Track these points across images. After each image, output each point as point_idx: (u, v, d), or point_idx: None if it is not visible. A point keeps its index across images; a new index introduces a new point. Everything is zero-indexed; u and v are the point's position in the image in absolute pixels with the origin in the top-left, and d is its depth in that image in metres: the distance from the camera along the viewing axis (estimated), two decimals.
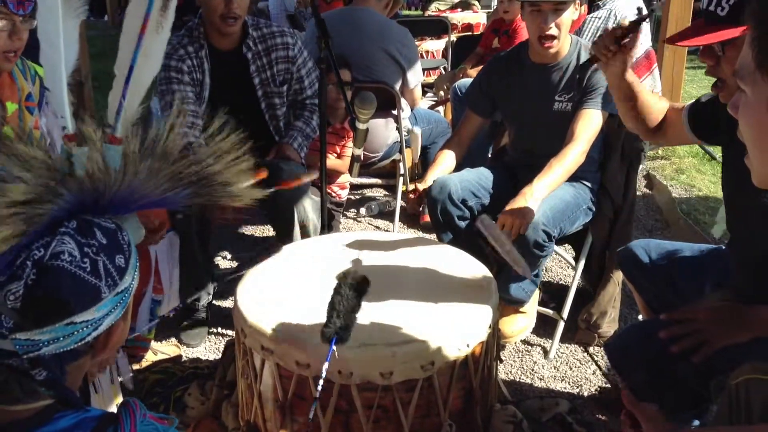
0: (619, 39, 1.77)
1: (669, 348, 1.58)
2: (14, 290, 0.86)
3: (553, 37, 2.40)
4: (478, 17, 7.39)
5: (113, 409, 1.67)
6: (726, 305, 1.65)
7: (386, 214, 3.94)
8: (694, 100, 1.87)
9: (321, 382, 1.49)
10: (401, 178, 3.66)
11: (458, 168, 2.66)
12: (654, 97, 1.94)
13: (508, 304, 2.53)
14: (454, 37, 5.62)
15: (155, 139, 1.00)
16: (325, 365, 1.50)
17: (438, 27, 5.67)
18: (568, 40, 2.49)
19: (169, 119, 1.03)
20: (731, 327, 1.58)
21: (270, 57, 2.73)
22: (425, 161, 3.66)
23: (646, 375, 1.65)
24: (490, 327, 1.74)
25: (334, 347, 1.53)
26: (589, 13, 3.76)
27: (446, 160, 2.63)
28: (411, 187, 2.48)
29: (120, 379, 1.90)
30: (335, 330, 1.54)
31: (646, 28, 3.70)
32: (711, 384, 1.62)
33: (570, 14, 2.40)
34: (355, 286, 1.65)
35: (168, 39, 2.46)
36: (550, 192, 2.33)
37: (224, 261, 3.37)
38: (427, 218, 3.67)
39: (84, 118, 1.01)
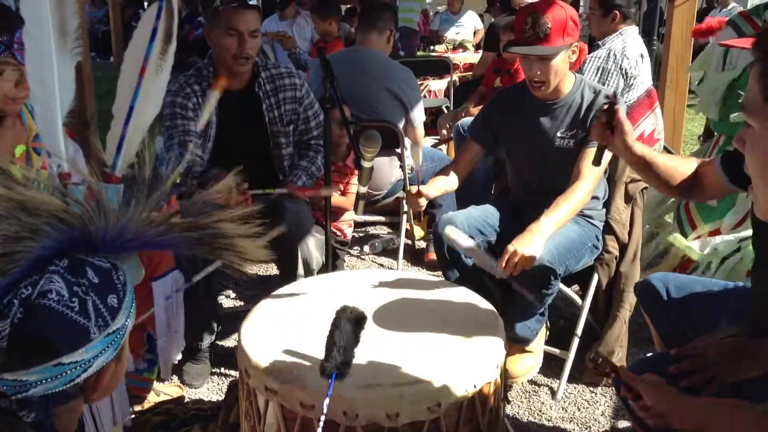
0: (607, 124, 1.82)
1: (679, 383, 1.56)
2: (0, 329, 0.85)
3: (541, 82, 2.42)
4: (479, 57, 7.48)
5: None
6: (736, 340, 1.63)
7: (390, 252, 3.93)
8: (722, 152, 1.87)
9: (323, 419, 1.46)
10: (405, 216, 3.66)
11: (462, 205, 2.66)
12: (676, 158, 1.95)
13: (514, 343, 2.50)
14: (456, 76, 5.69)
15: (154, 182, 0.99)
16: (326, 402, 1.47)
17: (440, 67, 5.74)
18: (570, 78, 2.51)
19: (172, 165, 1.02)
20: (742, 362, 1.56)
21: (278, 97, 2.76)
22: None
23: None
24: (497, 367, 1.71)
25: (333, 383, 1.50)
26: (589, 53, 3.79)
27: (446, 175, 2.63)
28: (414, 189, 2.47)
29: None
30: (335, 365, 1.51)
31: (647, 67, 3.73)
32: None
33: (561, 59, 2.40)
34: (354, 321, 1.62)
35: (176, 79, 2.50)
36: (557, 229, 2.32)
37: (228, 300, 3.35)
38: (432, 256, 3.67)
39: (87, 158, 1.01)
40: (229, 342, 2.90)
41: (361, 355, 1.69)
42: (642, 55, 3.65)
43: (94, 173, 0.97)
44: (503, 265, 2.22)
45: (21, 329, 0.85)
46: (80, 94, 3.38)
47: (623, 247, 2.58)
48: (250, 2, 2.61)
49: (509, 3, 5.84)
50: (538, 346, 2.61)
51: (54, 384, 0.88)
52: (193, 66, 2.83)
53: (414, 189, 2.46)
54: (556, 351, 2.66)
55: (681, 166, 1.88)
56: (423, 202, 2.45)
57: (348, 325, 1.56)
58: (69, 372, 0.88)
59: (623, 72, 3.57)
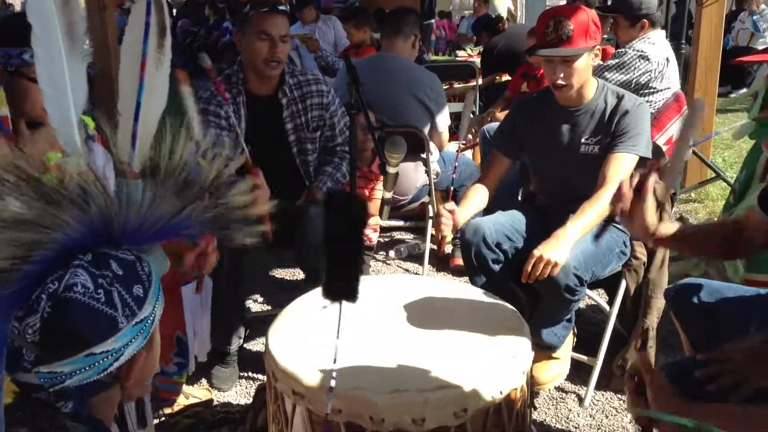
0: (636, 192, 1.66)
1: (706, 387, 1.55)
2: (32, 324, 0.88)
3: (563, 85, 2.42)
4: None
5: None
6: (766, 345, 1.61)
7: (415, 257, 3.93)
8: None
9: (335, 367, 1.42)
10: (430, 221, 3.66)
11: (489, 211, 2.66)
12: (705, 224, 1.89)
13: (541, 350, 2.49)
14: (481, 81, 5.69)
15: (172, 174, 1.01)
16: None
17: (466, 72, 5.74)
18: (593, 83, 2.50)
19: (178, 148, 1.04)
20: None
21: (305, 103, 2.78)
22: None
23: None
24: (524, 373, 1.71)
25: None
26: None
27: (477, 194, 2.61)
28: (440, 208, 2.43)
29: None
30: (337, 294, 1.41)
31: (674, 70, 3.69)
32: None
33: (584, 62, 2.39)
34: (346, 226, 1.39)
35: (206, 86, 2.51)
36: (583, 235, 2.31)
37: (255, 304, 3.38)
38: (458, 261, 3.67)
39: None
40: (257, 346, 2.92)
41: (387, 360, 1.70)
42: (668, 59, 3.61)
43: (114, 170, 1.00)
44: (528, 269, 2.21)
45: (51, 323, 0.88)
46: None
47: (651, 253, 2.55)
48: (280, 8, 2.63)
49: (494, 27, 6.02)
50: (566, 352, 2.59)
51: (88, 374, 0.91)
52: (221, 73, 2.86)
53: (449, 208, 2.40)
54: (584, 357, 2.64)
55: (714, 228, 1.82)
56: (448, 227, 2.40)
57: (345, 243, 1.40)
58: (101, 361, 0.91)
59: (642, 70, 3.53)
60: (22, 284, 0.86)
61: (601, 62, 2.51)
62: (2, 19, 2.57)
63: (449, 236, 2.47)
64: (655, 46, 3.59)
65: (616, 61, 3.54)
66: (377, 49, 5.50)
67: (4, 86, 1.87)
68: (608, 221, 1.75)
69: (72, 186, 0.92)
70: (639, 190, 1.64)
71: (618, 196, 1.66)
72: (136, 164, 1.09)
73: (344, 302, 1.40)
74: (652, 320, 2.51)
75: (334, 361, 1.39)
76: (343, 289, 1.42)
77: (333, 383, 1.39)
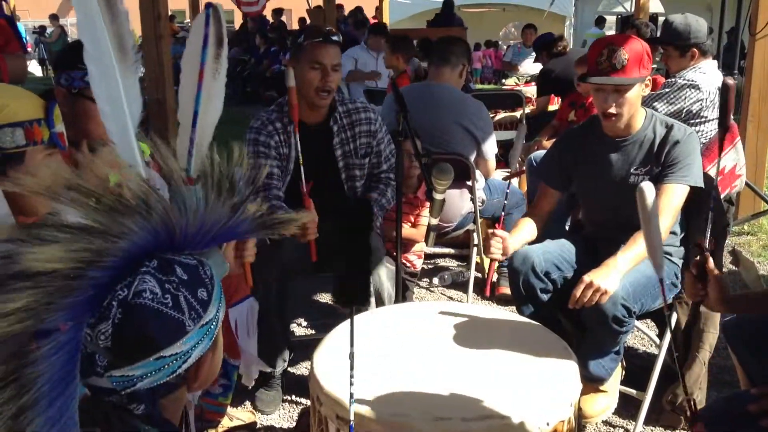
0: (698, 278, 1.78)
1: (759, 422, 1.50)
2: (104, 330, 0.91)
3: (613, 115, 2.39)
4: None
5: None
6: None
7: (459, 285, 3.91)
8: None
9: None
10: (475, 249, 3.65)
11: (537, 239, 2.63)
12: None
13: (589, 382, 2.44)
14: (528, 109, 5.68)
15: (227, 179, 1.04)
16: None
17: (512, 100, 5.75)
18: (641, 113, 2.47)
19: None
20: None
21: (354, 130, 2.82)
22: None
23: None
24: (571, 405, 1.68)
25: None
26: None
27: (526, 227, 2.59)
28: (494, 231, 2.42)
29: None
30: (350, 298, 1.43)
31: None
32: None
33: (635, 92, 2.37)
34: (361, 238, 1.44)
35: (258, 116, 2.58)
36: (634, 266, 2.27)
37: (300, 328, 3.40)
38: (503, 290, 3.64)
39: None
40: (301, 370, 2.94)
41: (430, 387, 1.69)
42: (719, 88, 3.55)
43: (172, 177, 1.03)
44: (577, 295, 2.18)
45: (122, 328, 0.91)
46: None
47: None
48: (333, 38, 2.68)
49: (554, 46, 5.98)
50: (614, 385, 2.54)
51: (158, 376, 0.94)
52: (271, 101, 2.92)
53: (499, 233, 2.40)
54: (633, 391, 2.58)
55: None
56: (498, 251, 2.40)
57: (353, 245, 1.43)
58: (171, 364, 0.94)
59: (693, 99, 3.48)
60: (93, 292, 0.89)
61: (647, 89, 2.47)
62: (67, 46, 2.68)
63: (499, 258, 2.46)
64: (706, 75, 3.54)
65: (666, 90, 3.51)
66: (415, 76, 5.62)
67: (69, 108, 1.94)
68: (697, 305, 1.86)
69: (133, 194, 0.95)
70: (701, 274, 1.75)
71: (692, 291, 1.79)
72: (193, 170, 1.12)
73: (355, 305, 1.42)
74: (704, 355, 2.44)
75: (351, 368, 1.41)
76: (354, 292, 1.43)
77: (352, 390, 1.40)
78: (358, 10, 12.42)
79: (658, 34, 4.81)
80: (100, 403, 0.94)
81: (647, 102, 3.25)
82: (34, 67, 17.74)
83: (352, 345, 1.48)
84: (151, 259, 0.95)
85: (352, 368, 1.43)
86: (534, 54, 8.79)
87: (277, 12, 13.79)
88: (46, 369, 0.83)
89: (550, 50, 6.03)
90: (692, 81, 3.49)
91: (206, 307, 0.98)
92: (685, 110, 3.48)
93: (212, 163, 1.04)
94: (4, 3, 2.67)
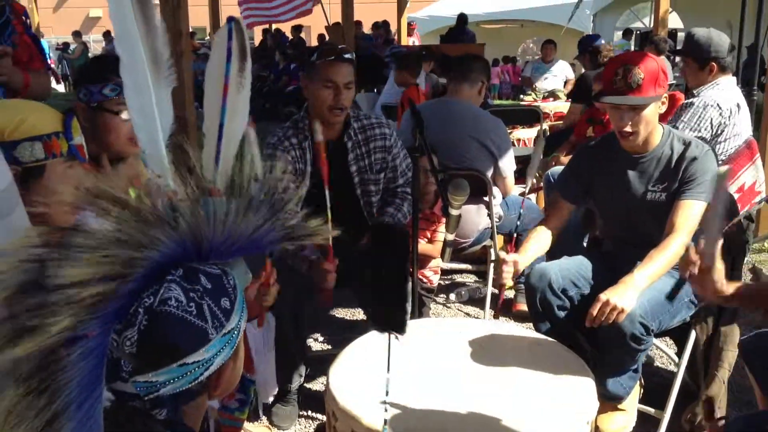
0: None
1: None
2: (129, 336, 0.93)
3: (629, 133, 2.39)
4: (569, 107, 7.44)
5: None
6: None
7: (476, 301, 3.90)
8: None
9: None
10: (492, 265, 3.64)
11: (554, 256, 2.62)
12: None
13: (606, 400, 2.42)
14: (546, 125, 5.68)
15: (253, 191, 1.06)
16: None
17: (530, 116, 5.75)
18: (659, 130, 2.46)
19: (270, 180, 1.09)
20: None
21: (369, 146, 2.84)
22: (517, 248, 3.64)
23: None
24: (588, 423, 1.67)
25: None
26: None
27: (539, 237, 2.58)
28: (503, 255, 2.41)
29: None
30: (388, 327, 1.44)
31: (745, 117, 3.60)
32: None
33: (652, 110, 2.36)
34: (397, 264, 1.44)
35: (274, 132, 2.60)
36: (651, 283, 2.26)
37: (316, 343, 3.41)
38: (520, 306, 3.62)
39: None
40: (317, 385, 2.94)
41: (446, 405, 1.69)
42: (738, 105, 3.53)
43: (199, 188, 1.05)
44: (594, 313, 2.17)
45: (147, 335, 0.93)
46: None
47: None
48: (346, 56, 2.71)
49: (598, 52, 5.81)
50: (632, 404, 2.51)
51: (181, 383, 0.96)
52: (289, 117, 2.94)
53: (510, 259, 2.39)
54: (651, 410, 2.55)
55: None
56: (509, 275, 2.40)
57: (391, 273, 1.43)
58: (193, 371, 0.96)
59: (712, 121, 3.46)
60: (122, 301, 0.91)
61: (664, 107, 2.46)
62: (87, 61, 2.74)
63: (509, 283, 2.45)
64: (724, 92, 3.53)
65: (687, 117, 3.47)
66: (433, 92, 5.70)
67: (89, 122, 1.97)
68: (679, 285, 1.76)
69: (162, 205, 0.97)
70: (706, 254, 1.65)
71: (687, 261, 1.68)
72: (219, 182, 1.14)
73: (393, 333, 1.42)
74: (724, 373, 2.41)
75: (386, 393, 1.41)
76: (391, 320, 1.43)
77: (387, 416, 1.40)
78: (385, 28, 12.51)
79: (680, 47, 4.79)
80: (123, 408, 0.96)
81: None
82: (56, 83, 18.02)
83: (388, 370, 1.47)
84: (177, 268, 0.97)
85: (387, 393, 1.43)
86: (552, 70, 8.80)
87: (297, 29, 13.93)
88: (75, 374, 0.85)
89: (594, 57, 5.87)
90: (711, 102, 3.46)
91: (229, 316, 0.99)
92: (709, 134, 3.46)
93: (242, 176, 1.06)
94: (28, 20, 2.72)
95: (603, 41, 6.20)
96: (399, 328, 1.43)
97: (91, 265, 0.87)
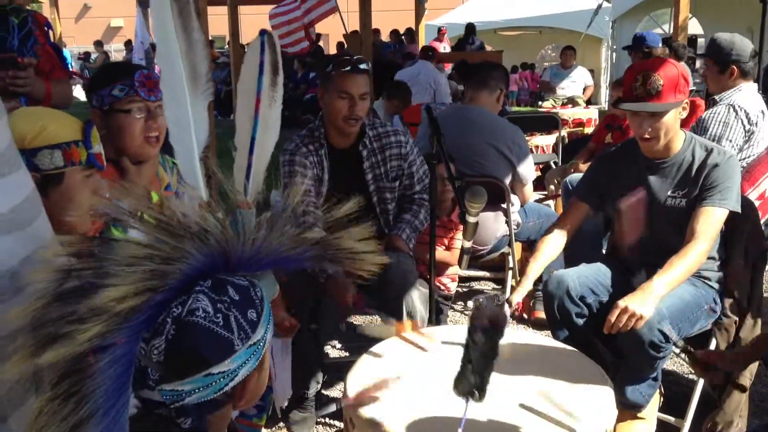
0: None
1: None
2: (157, 345, 0.95)
3: (649, 139, 2.38)
4: (589, 113, 7.42)
5: None
6: None
7: None
8: None
9: None
10: (510, 272, 3.62)
11: (572, 263, 2.61)
12: None
13: (625, 409, 2.40)
14: (564, 132, 5.65)
15: (285, 206, 1.07)
16: (462, 424, 1.41)
17: (549, 123, 5.73)
18: (680, 136, 2.45)
19: (293, 194, 1.10)
20: None
21: (384, 154, 2.84)
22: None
23: None
24: (607, 431, 1.66)
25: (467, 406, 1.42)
26: (706, 109, 3.67)
27: (550, 243, 2.56)
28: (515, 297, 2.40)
29: None
30: (469, 388, 1.42)
31: (767, 124, 3.55)
32: None
33: (672, 116, 2.35)
34: (490, 330, 1.47)
35: (292, 139, 2.62)
36: (671, 290, 2.24)
37: (333, 350, 3.41)
38: (538, 314, 3.60)
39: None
40: (334, 392, 2.94)
41: (463, 413, 1.68)
42: (763, 112, 3.49)
43: (229, 201, 1.07)
44: (612, 320, 2.16)
45: (175, 344, 0.95)
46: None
47: (743, 311, 2.44)
48: (361, 66, 2.72)
49: (651, 54, 5.65)
50: (651, 412, 2.49)
51: (206, 392, 0.97)
52: (306, 124, 2.96)
53: (515, 299, 2.36)
54: (671, 419, 2.53)
55: None
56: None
57: (483, 336, 1.45)
58: (218, 381, 0.97)
59: (744, 126, 3.42)
60: (151, 312, 0.93)
61: (684, 112, 2.44)
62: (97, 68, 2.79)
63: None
64: (749, 98, 3.49)
65: (711, 131, 3.42)
66: (453, 98, 5.70)
67: (104, 127, 1.99)
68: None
69: (192, 219, 0.99)
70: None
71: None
72: (250, 195, 1.15)
73: (470, 400, 1.43)
74: (745, 382, 2.38)
75: None
76: (473, 387, 1.44)
77: None
78: (410, 35, 12.52)
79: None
80: (149, 415, 0.97)
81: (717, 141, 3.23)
82: (79, 92, 18.27)
83: (462, 379, 1.45)
84: (206, 279, 0.98)
85: None
86: (571, 76, 8.76)
87: (315, 37, 14.01)
88: (103, 381, 0.87)
89: (647, 57, 5.72)
90: (737, 107, 3.41)
91: (255, 328, 1.00)
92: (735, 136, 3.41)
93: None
94: (50, 30, 2.76)
95: (660, 45, 6.01)
96: (479, 396, 1.44)
97: (127, 280, 0.89)
